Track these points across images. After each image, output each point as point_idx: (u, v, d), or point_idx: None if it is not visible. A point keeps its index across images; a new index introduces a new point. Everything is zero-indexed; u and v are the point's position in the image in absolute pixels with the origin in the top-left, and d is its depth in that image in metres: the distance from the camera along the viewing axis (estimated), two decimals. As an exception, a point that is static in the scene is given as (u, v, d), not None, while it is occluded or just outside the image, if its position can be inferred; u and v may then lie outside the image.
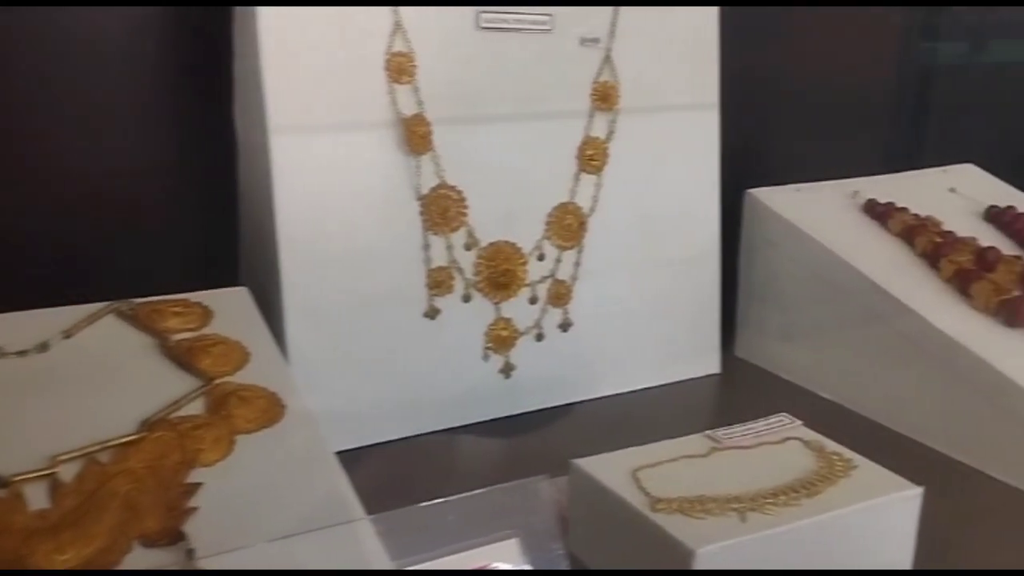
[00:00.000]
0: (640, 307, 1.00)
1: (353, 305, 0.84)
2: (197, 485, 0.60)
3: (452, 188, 0.87)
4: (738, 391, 1.04)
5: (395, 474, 0.82)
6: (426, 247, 0.87)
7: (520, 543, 0.40)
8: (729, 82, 1.03)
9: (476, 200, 0.88)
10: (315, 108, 0.81)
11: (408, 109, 0.84)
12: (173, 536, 0.56)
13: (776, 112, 1.34)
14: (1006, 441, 0.83)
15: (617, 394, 0.99)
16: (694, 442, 0.73)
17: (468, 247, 0.89)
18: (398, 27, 0.83)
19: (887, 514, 0.67)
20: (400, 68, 0.83)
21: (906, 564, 0.69)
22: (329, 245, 0.83)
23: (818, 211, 1.03)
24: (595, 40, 0.92)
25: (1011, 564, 0.73)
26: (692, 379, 1.04)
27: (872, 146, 1.43)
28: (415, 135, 0.84)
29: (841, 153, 1.37)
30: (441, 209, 0.87)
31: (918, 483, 0.85)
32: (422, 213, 0.86)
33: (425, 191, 0.86)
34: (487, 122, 0.89)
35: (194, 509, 0.58)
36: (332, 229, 0.83)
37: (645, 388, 1.01)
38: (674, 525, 0.62)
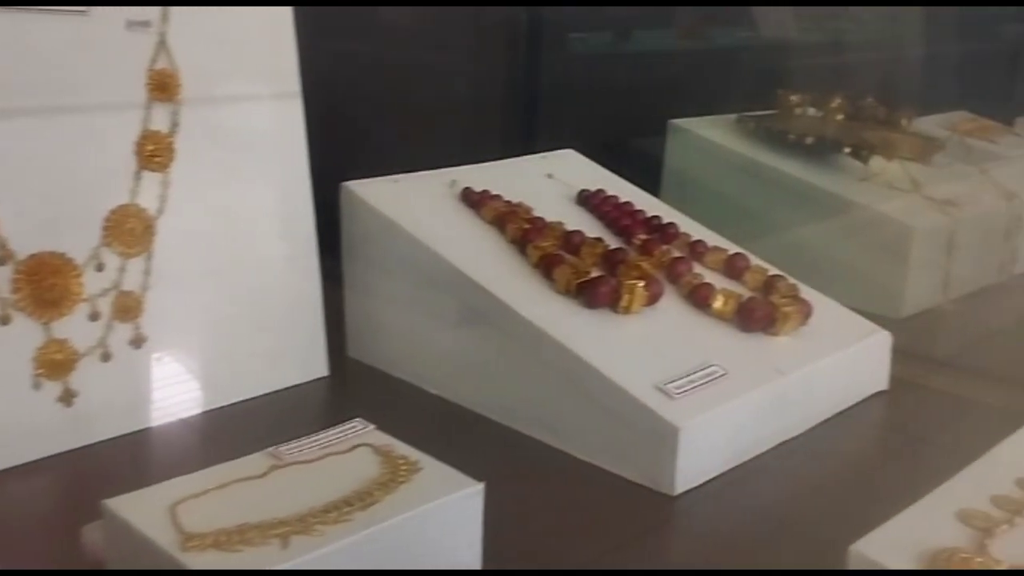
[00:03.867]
0: (231, 313, 0.92)
1: None
2: None
3: (-27, 194, 0.75)
4: (347, 394, 0.99)
5: None
6: (-57, 265, 0.74)
7: None
8: (328, 73, 0.98)
9: (8, 206, 0.77)
10: None
11: (-101, 103, 0.71)
12: None
13: (387, 103, 1.33)
14: (587, 423, 0.85)
15: (210, 410, 0.91)
16: (253, 462, 0.67)
17: (2, 261, 0.77)
18: None
19: (447, 515, 0.64)
20: None
21: (476, 561, 0.67)
22: None
23: (414, 202, 1.01)
24: (144, 24, 0.83)
25: (597, 543, 0.75)
26: (298, 385, 0.98)
27: (487, 136, 1.46)
28: (-90, 133, 0.71)
29: (455, 144, 1.38)
30: (-40, 219, 0.74)
31: (509, 471, 0.85)
32: (-67, 225, 0.74)
33: (-64, 199, 0.73)
34: (14, 117, 0.77)
35: None
36: None
37: (243, 400, 0.93)
38: (205, 563, 0.55)
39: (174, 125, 0.86)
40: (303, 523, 0.60)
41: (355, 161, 1.07)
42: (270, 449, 0.69)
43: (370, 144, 1.27)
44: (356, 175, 1.03)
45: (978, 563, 0.60)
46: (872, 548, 0.62)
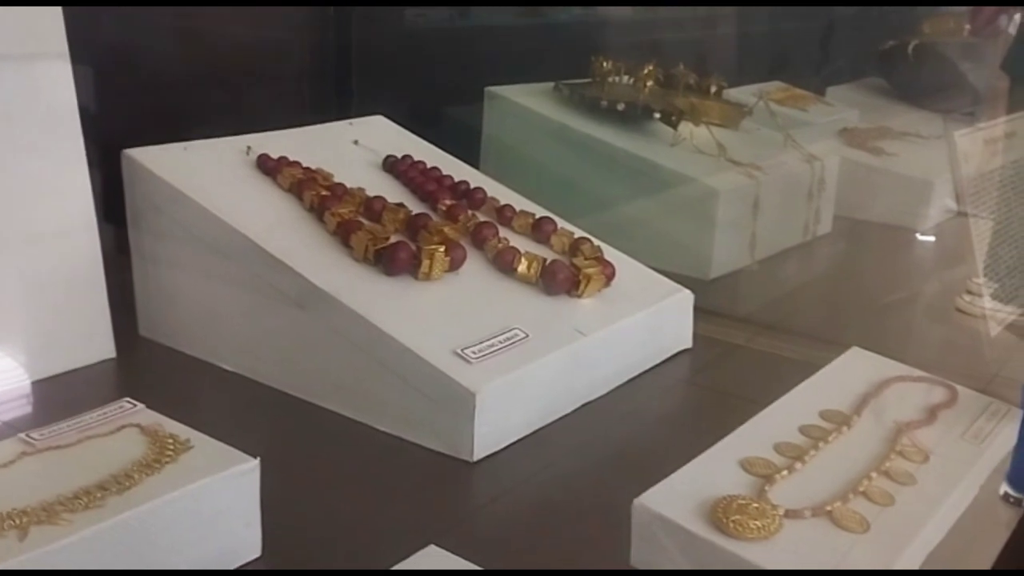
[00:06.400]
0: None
1: None
2: None
3: None
4: (135, 375, 0.93)
5: None
6: None
7: None
8: (139, 43, 0.91)
9: None
10: None
11: None
12: None
13: (200, 74, 1.25)
14: (386, 393, 0.81)
15: (-24, 399, 0.83)
16: (3, 448, 0.61)
17: None
18: None
19: (216, 494, 0.60)
20: None
21: (255, 540, 0.64)
22: None
23: (203, 170, 0.95)
24: None
25: (391, 515, 0.72)
26: (81, 368, 0.91)
27: (302, 107, 1.40)
28: None
29: (267, 114, 1.32)
30: None
31: (304, 447, 0.82)
32: None
33: None
34: None
35: None
36: None
37: (13, 387, 0.86)
38: (-76, 563, 0.50)
39: (-87, 86, 0.77)
40: (48, 512, 0.55)
41: (161, 131, 1.00)
42: (21, 435, 0.63)
43: (178, 114, 1.20)
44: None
45: (755, 508, 0.61)
46: (655, 500, 0.62)
